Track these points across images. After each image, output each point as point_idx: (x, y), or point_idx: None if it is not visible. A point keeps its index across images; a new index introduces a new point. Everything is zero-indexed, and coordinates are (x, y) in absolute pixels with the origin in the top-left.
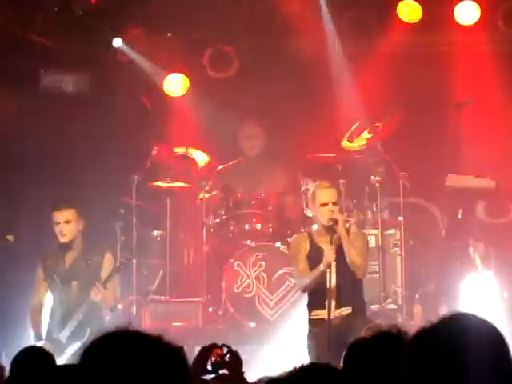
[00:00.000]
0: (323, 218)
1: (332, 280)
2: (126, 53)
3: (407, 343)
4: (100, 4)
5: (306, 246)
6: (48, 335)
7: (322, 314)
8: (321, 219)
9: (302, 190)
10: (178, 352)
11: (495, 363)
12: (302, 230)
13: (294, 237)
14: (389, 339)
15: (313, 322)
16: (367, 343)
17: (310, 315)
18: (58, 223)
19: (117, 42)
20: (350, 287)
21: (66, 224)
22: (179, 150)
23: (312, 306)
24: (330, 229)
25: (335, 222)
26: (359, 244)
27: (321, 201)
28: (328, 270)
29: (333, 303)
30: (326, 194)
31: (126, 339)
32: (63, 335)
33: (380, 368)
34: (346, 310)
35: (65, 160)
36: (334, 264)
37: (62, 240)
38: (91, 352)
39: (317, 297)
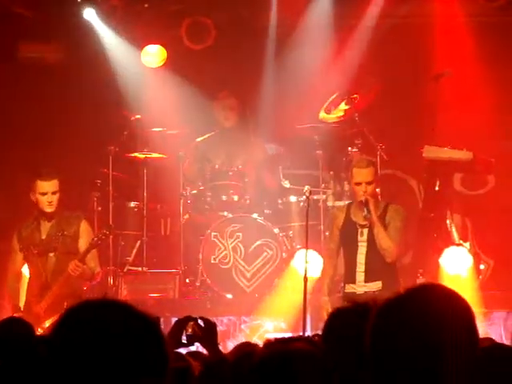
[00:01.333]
0: (356, 196)
1: (361, 254)
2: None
3: (374, 314)
4: None
5: (341, 218)
6: (26, 307)
7: (353, 287)
8: (355, 196)
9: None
10: (152, 321)
11: (461, 335)
12: (279, 201)
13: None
14: (366, 312)
15: (345, 296)
16: (344, 316)
17: (343, 289)
18: (45, 193)
19: (88, 13)
20: (380, 262)
21: (54, 195)
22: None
23: (345, 280)
24: (365, 205)
25: (366, 202)
26: (394, 224)
27: (355, 180)
28: (360, 244)
29: (361, 277)
30: (361, 173)
31: (98, 308)
32: (41, 308)
33: (355, 341)
34: (375, 285)
35: (42, 130)
36: (365, 238)
37: (48, 210)
38: (67, 321)
39: (349, 271)
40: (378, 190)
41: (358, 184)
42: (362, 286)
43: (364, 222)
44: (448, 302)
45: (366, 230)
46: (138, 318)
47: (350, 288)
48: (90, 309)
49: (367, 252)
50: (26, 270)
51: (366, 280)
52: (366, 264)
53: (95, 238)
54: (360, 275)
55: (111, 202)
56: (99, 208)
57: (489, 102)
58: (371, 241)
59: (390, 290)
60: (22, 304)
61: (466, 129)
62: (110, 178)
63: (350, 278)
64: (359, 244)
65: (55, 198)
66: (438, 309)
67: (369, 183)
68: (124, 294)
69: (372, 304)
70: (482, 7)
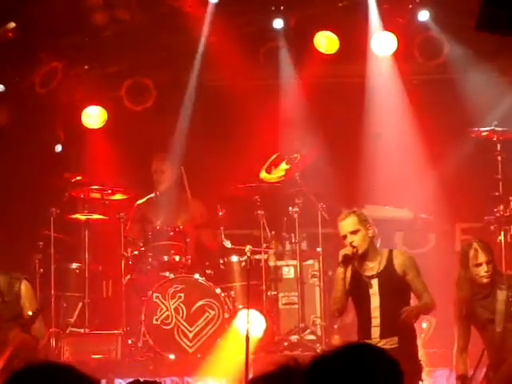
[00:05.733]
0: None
1: (374, 306)
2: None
3: (301, 374)
4: (17, 36)
5: (348, 273)
6: None
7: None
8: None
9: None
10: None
11: None
12: (221, 261)
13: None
14: (289, 373)
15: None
16: (268, 378)
17: None
18: None
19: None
20: (397, 315)
21: None
22: (96, 186)
23: (359, 336)
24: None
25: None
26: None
27: (341, 234)
28: (372, 297)
29: (376, 333)
30: (342, 226)
31: (41, 373)
32: None
33: None
34: (390, 342)
35: None
36: (377, 288)
37: None
38: None
39: (362, 327)
40: (319, 249)
41: (344, 237)
42: (378, 343)
43: (371, 273)
44: (375, 360)
45: (375, 281)
46: (81, 380)
47: None
48: (32, 373)
49: (380, 300)
50: None
51: (381, 335)
52: (381, 316)
53: (29, 314)
54: (375, 330)
55: (53, 263)
56: (41, 270)
57: (429, 159)
58: (382, 287)
59: (406, 351)
60: None
61: (406, 187)
62: (52, 239)
63: (364, 333)
64: (371, 297)
65: None
66: (366, 367)
67: (353, 233)
68: (66, 355)
69: (294, 365)
70: (419, 66)
